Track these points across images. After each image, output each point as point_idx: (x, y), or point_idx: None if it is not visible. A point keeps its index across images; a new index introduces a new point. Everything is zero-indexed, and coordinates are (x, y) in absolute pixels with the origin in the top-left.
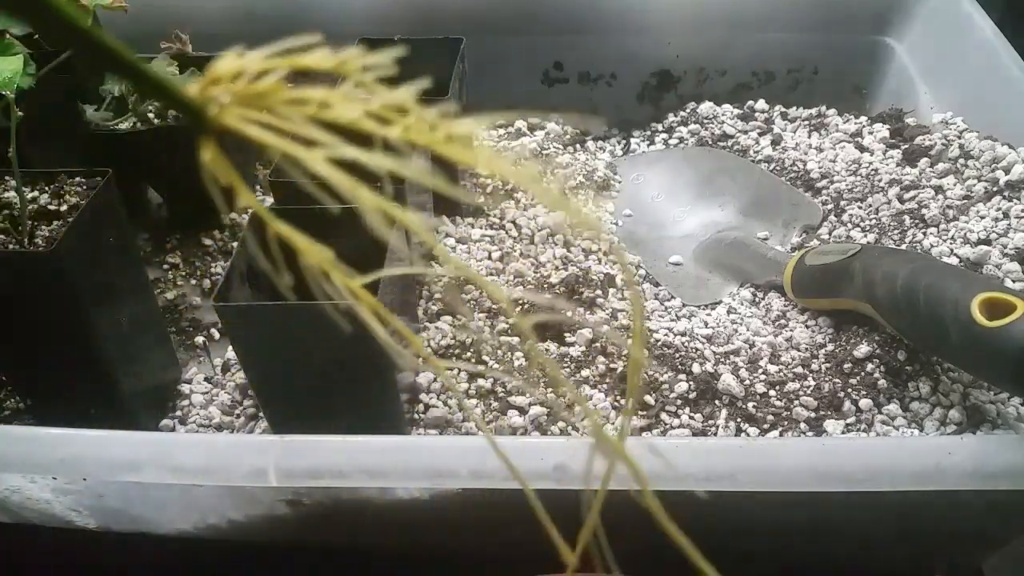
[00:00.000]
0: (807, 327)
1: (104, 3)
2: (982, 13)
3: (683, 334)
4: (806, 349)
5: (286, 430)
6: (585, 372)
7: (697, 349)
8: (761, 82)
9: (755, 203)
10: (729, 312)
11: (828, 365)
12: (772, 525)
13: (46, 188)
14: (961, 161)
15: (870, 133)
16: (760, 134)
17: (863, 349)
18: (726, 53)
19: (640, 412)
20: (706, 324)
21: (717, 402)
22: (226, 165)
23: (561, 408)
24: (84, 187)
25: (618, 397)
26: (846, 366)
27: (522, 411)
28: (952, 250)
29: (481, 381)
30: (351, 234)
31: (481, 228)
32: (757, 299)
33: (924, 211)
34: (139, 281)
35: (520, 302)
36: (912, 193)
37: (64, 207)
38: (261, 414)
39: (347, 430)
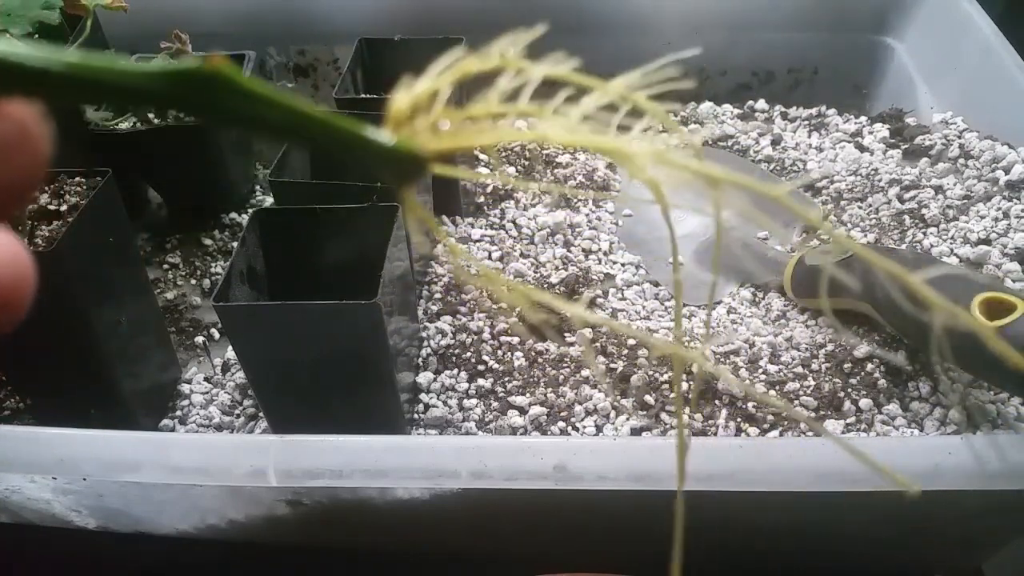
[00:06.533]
0: (807, 327)
1: (104, 3)
2: (982, 13)
3: (683, 334)
4: (806, 349)
5: (286, 430)
6: (585, 372)
7: (697, 348)
8: (761, 82)
9: (755, 203)
10: (729, 312)
11: (828, 365)
12: (772, 525)
13: (46, 188)
14: (961, 161)
15: (870, 133)
16: (760, 134)
17: (863, 349)
18: (726, 53)
19: (640, 412)
20: (706, 324)
21: (717, 402)
22: (424, 211)
23: (561, 408)
24: (84, 187)
25: (618, 397)
26: (846, 366)
27: (522, 411)
28: (952, 250)
29: (481, 381)
30: (351, 234)
31: (481, 228)
32: (757, 299)
33: (924, 211)
34: (139, 281)
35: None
36: (912, 193)
37: (64, 207)
38: (261, 414)
39: (347, 430)
